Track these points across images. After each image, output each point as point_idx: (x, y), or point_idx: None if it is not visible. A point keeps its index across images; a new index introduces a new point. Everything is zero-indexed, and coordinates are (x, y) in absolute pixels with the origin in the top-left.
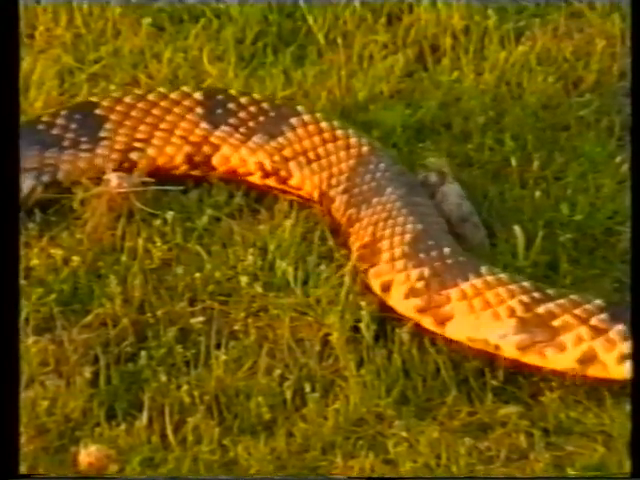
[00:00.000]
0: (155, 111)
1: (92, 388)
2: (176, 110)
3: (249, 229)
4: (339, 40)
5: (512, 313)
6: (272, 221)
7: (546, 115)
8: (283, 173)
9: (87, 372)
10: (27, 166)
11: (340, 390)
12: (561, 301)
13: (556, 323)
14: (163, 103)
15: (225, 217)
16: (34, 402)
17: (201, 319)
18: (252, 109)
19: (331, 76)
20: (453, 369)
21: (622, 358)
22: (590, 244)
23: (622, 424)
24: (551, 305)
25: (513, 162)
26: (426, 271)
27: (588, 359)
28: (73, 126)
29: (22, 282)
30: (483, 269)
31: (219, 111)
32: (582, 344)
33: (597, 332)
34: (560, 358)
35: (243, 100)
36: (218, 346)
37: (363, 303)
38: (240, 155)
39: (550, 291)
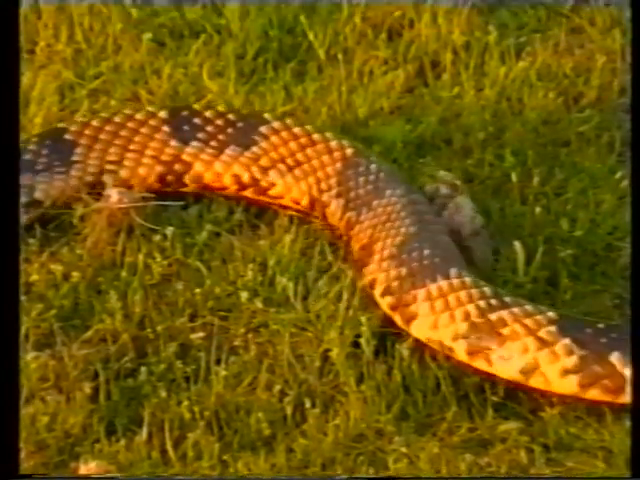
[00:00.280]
0: (123, 133)
1: (92, 404)
2: (144, 130)
3: (249, 244)
4: (340, 56)
5: (467, 317)
6: (272, 236)
7: (546, 131)
8: (263, 183)
9: (87, 388)
10: None
11: (340, 406)
12: (515, 309)
13: (505, 331)
14: (130, 124)
15: (225, 233)
16: (34, 418)
17: (201, 335)
18: (219, 122)
19: (331, 92)
20: (453, 385)
21: (565, 372)
22: (590, 260)
23: (622, 440)
24: (504, 313)
25: (513, 178)
26: (403, 271)
27: (531, 370)
28: (45, 152)
29: (22, 298)
30: (452, 271)
31: (186, 127)
32: (527, 354)
33: (543, 344)
34: (505, 366)
35: (208, 114)
36: (218, 362)
37: (363, 318)
38: (214, 170)
39: (508, 299)
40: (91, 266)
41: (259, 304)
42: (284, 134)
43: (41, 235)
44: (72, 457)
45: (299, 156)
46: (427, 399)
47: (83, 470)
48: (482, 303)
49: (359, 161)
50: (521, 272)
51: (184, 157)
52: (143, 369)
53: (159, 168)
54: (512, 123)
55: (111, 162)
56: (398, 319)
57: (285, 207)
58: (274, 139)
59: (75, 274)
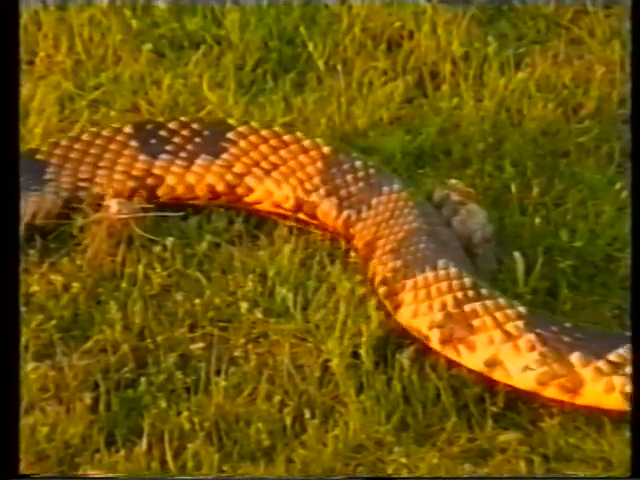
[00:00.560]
0: (92, 150)
1: (92, 414)
2: (112, 147)
3: (249, 255)
4: (339, 66)
5: (443, 307)
6: (272, 247)
7: (546, 141)
8: (240, 190)
9: (87, 398)
10: None
11: (340, 416)
12: (488, 302)
13: (475, 323)
14: (98, 141)
15: (225, 243)
16: (34, 428)
17: (201, 345)
18: (185, 132)
19: (331, 102)
20: (453, 395)
21: (525, 368)
22: (590, 270)
23: (622, 450)
24: (477, 305)
25: (513, 188)
26: (399, 263)
27: (493, 362)
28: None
29: (22, 308)
30: (440, 262)
31: (153, 141)
32: (491, 347)
33: (508, 337)
34: (471, 357)
35: (172, 125)
36: (218, 372)
37: (363, 329)
38: (186, 182)
39: (484, 291)
40: (91, 277)
41: (259, 314)
42: (252, 138)
43: (41, 246)
44: (72, 467)
45: (273, 159)
46: (427, 409)
47: None
48: (460, 294)
49: (342, 159)
50: (521, 283)
51: (155, 171)
52: (143, 380)
53: (131, 183)
54: (511, 134)
55: (83, 180)
56: (389, 305)
57: (268, 211)
58: (243, 144)
59: (75, 285)
